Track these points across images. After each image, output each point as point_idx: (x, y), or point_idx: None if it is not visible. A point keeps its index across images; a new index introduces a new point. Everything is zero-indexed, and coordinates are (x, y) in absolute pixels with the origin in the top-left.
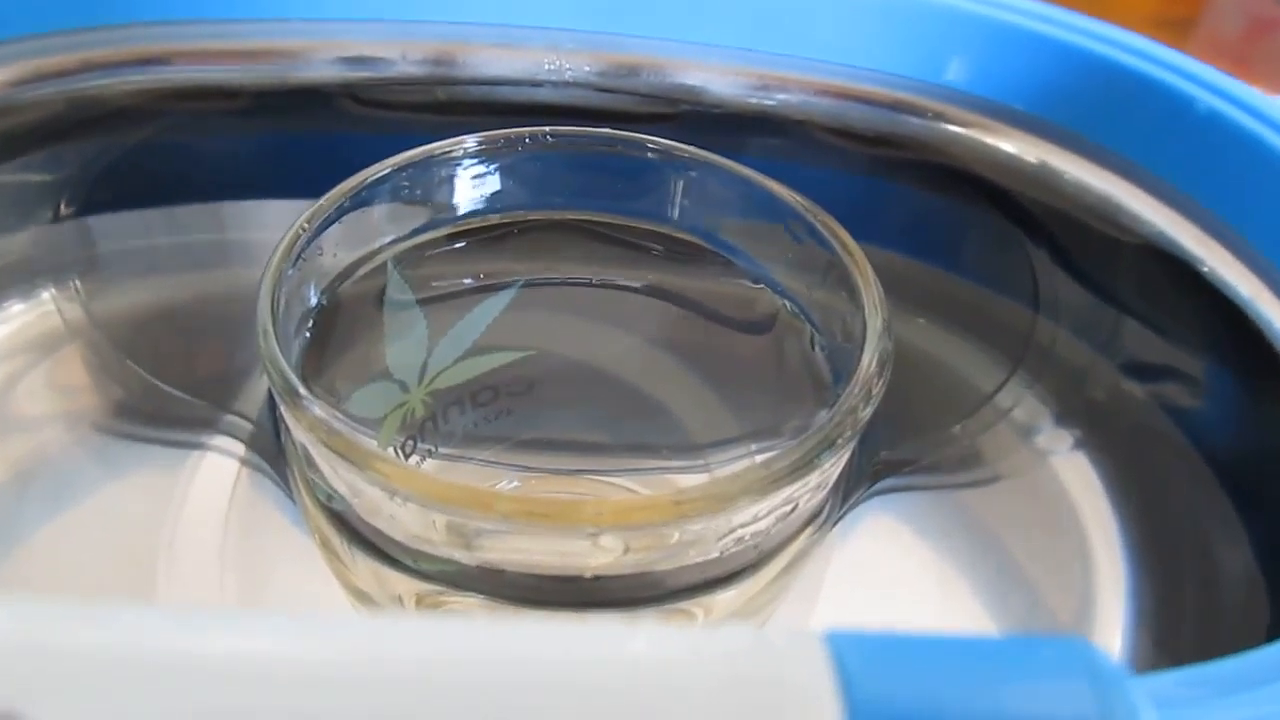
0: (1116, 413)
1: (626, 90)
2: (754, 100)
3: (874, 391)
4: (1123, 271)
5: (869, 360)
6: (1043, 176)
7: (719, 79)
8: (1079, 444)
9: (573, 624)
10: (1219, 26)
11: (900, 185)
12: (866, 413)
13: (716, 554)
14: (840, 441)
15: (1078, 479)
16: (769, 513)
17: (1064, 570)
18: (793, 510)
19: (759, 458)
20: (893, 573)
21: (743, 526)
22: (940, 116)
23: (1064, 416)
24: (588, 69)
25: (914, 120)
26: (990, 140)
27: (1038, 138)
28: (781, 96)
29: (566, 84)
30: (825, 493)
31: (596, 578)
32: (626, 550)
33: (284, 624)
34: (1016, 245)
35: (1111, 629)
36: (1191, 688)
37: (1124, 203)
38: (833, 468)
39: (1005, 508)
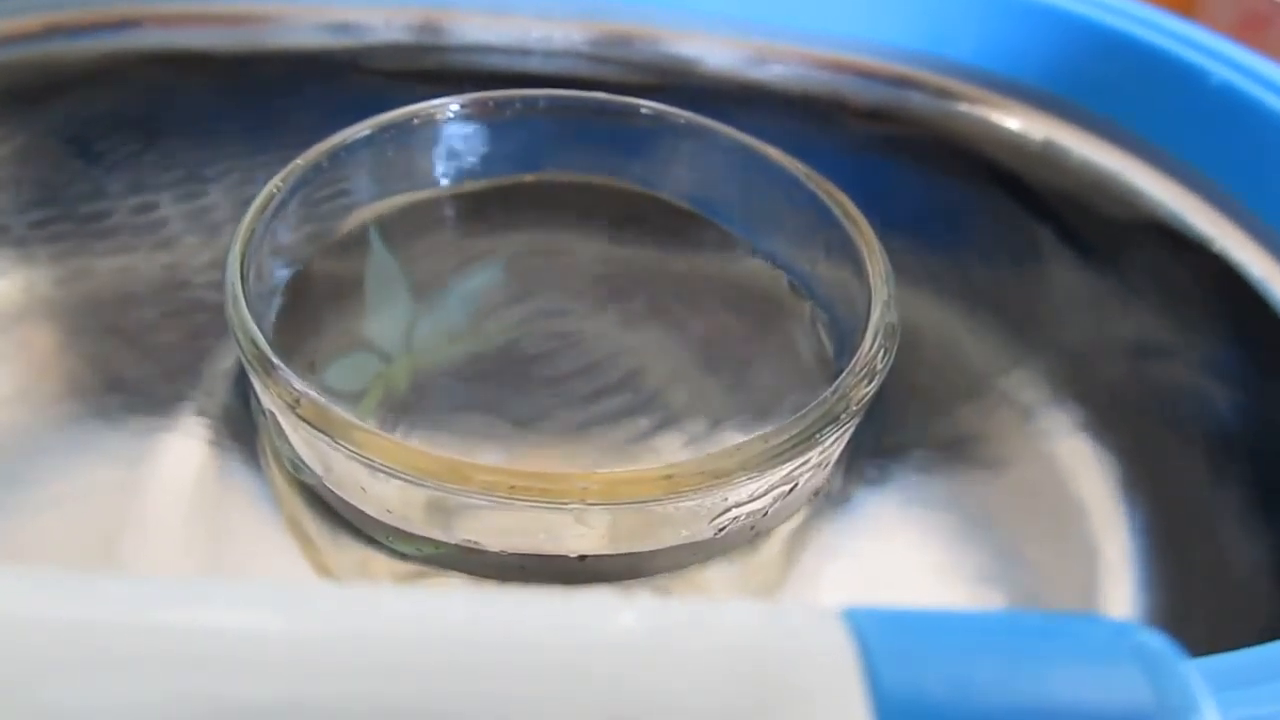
0: (1124, 395)
1: (618, 60)
2: (750, 72)
3: (879, 367)
4: (1131, 250)
5: (874, 334)
6: (1049, 154)
7: (714, 49)
8: (1085, 427)
9: (566, 597)
10: (1212, 20)
11: (901, 162)
12: (871, 388)
13: (711, 534)
14: (844, 417)
15: (1084, 463)
16: (767, 491)
17: (1069, 556)
18: (792, 489)
19: (756, 434)
20: (889, 560)
21: (738, 505)
22: (943, 91)
23: (1070, 399)
24: (578, 37)
25: (916, 95)
26: (995, 117)
27: (1044, 113)
28: (778, 69)
29: (556, 53)
30: (826, 472)
31: (583, 557)
32: (615, 527)
33: (263, 595)
34: (1021, 224)
35: (1117, 610)
36: (1244, 673)
37: (1133, 180)
38: (834, 445)
39: (1009, 492)
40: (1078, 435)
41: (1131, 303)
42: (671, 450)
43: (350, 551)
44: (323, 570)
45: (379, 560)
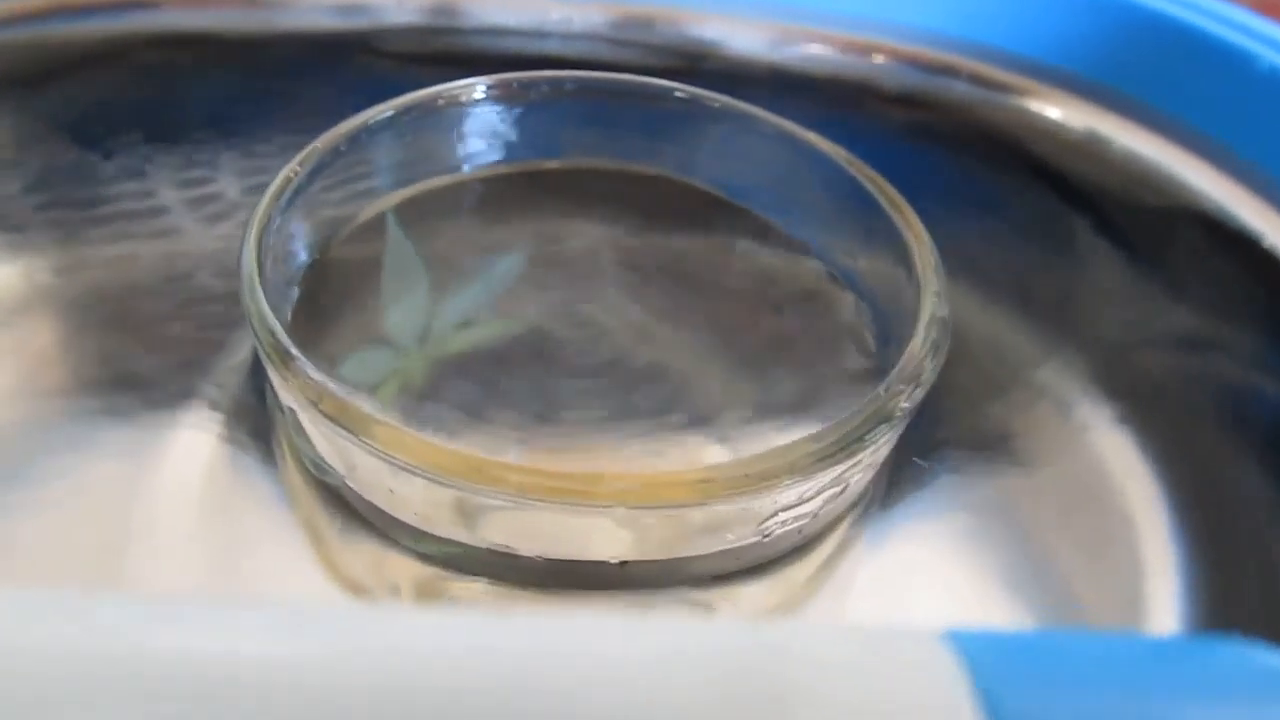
0: (1167, 390)
1: (639, 43)
2: (776, 56)
3: (931, 362)
4: (1175, 243)
5: (926, 328)
6: (1090, 144)
7: (739, 32)
8: (1125, 423)
9: (646, 616)
10: None
11: (935, 151)
12: (924, 385)
13: (756, 538)
14: (898, 415)
15: (1124, 460)
16: (818, 493)
17: (1110, 557)
18: (843, 491)
19: (806, 433)
20: (920, 561)
21: (786, 509)
22: (979, 77)
23: (1110, 394)
24: (598, 19)
25: (950, 81)
26: (1034, 105)
27: (1085, 101)
28: (806, 52)
29: (575, 35)
30: (875, 472)
31: (622, 563)
32: (656, 531)
33: (267, 619)
34: (1061, 215)
35: (1163, 623)
36: None
37: (1176, 171)
38: (886, 444)
39: (1048, 490)
40: (1118, 433)
41: (1175, 297)
42: (703, 447)
43: (369, 554)
44: (338, 572)
45: (400, 563)
